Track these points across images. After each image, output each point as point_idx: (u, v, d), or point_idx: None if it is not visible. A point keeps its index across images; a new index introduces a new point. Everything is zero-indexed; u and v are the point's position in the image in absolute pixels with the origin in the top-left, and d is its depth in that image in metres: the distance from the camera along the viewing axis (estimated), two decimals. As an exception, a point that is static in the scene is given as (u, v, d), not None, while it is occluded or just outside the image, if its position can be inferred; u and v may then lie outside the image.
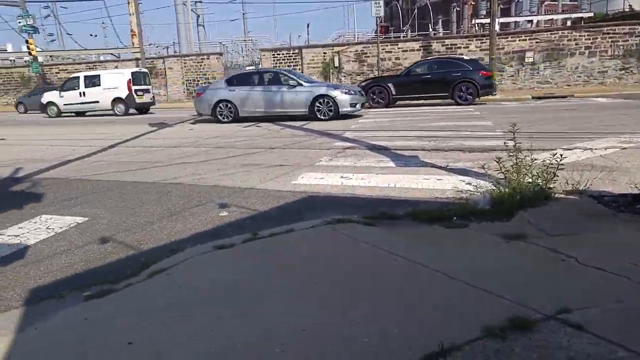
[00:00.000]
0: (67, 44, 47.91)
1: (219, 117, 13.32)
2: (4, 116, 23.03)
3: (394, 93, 16.00)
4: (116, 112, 19.81)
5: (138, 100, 19.75)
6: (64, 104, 20.37)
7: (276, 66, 26.84)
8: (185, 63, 28.68)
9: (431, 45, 24.79)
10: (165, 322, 2.33)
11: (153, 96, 21.50)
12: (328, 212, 4.16)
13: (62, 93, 20.36)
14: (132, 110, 19.90)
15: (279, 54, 27.04)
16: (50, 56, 36.29)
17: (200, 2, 49.04)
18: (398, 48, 25.19)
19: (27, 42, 27.04)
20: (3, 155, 8.51)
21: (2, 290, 2.92)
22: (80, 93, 19.96)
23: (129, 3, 32.94)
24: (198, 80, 28.32)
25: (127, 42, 36.07)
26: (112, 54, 35.26)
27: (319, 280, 2.66)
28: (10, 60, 37.55)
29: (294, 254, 3.13)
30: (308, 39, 30.15)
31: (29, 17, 27.02)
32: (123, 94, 19.43)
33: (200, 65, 28.51)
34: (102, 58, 34.53)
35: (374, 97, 16.11)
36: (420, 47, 24.93)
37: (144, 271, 3.06)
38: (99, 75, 20.50)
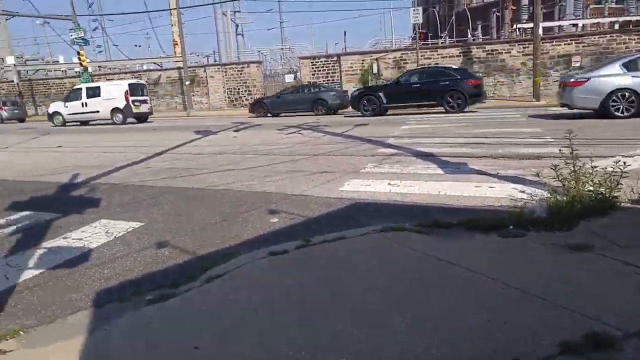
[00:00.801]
0: (113, 55, 49.95)
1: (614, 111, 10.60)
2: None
3: (384, 102, 16.45)
4: (115, 121, 21.00)
5: (135, 110, 21.02)
6: (68, 114, 21.94)
7: (314, 74, 27.05)
8: (225, 72, 29.32)
9: (471, 51, 24.38)
10: (228, 328, 2.36)
11: (150, 107, 22.79)
12: (377, 219, 4.13)
13: (67, 103, 21.95)
14: (131, 120, 21.21)
15: (317, 62, 27.23)
16: (99, 66, 37.90)
17: (239, 11, 50.18)
18: (437, 54, 24.90)
19: (78, 53, 28.35)
20: (62, 162, 8.93)
21: (72, 292, 3.05)
22: (82, 103, 21.43)
23: (171, 14, 34.02)
24: (239, 89, 28.88)
25: (170, 51, 37.24)
26: (155, 63, 36.47)
27: (375, 289, 2.64)
28: (62, 71, 39.49)
29: (348, 262, 3.12)
30: (345, 46, 30.19)
31: (80, 30, 28.36)
32: (121, 104, 20.72)
33: (241, 74, 29.07)
34: (145, 67, 35.80)
35: (365, 105, 16.66)
36: (460, 52, 24.56)
37: (202, 276, 3.12)
38: (99, 86, 21.91)
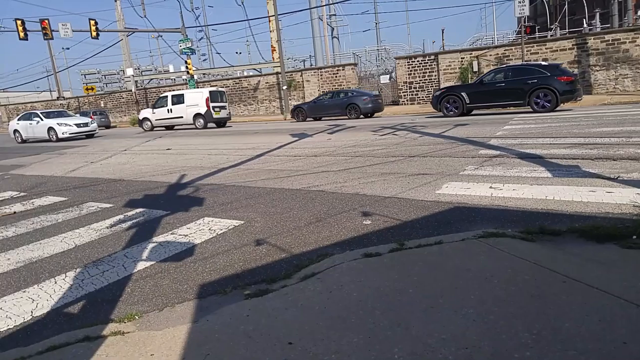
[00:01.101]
0: (216, 62, 53.51)
1: None
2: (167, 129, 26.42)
3: (467, 102, 16.06)
4: (197, 125, 22.71)
5: (215, 116, 22.54)
6: (156, 119, 24.00)
7: (410, 74, 26.55)
8: (321, 75, 29.93)
9: (586, 43, 22.25)
10: (322, 326, 2.37)
11: (229, 112, 24.28)
12: (477, 224, 3.91)
13: (154, 110, 23.89)
14: (211, 125, 22.91)
15: (413, 62, 26.70)
16: (203, 74, 40.80)
17: (335, 15, 50.91)
18: (546, 48, 23.10)
19: (185, 62, 30.77)
20: (171, 164, 9.73)
21: (178, 283, 3.27)
22: (168, 110, 23.35)
23: (269, 21, 35.52)
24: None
25: (268, 57, 38.95)
26: (254, 69, 38.35)
27: (474, 297, 2.48)
28: (172, 79, 43.15)
29: (444, 267, 2.98)
30: (443, 44, 29.24)
31: (187, 41, 30.79)
32: (202, 110, 22.38)
33: (336, 77, 29.48)
34: (245, 73, 37.74)
35: (448, 105, 16.35)
36: (573, 45, 22.55)
37: (297, 274, 3.19)
38: (183, 94, 23.47)
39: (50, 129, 20.78)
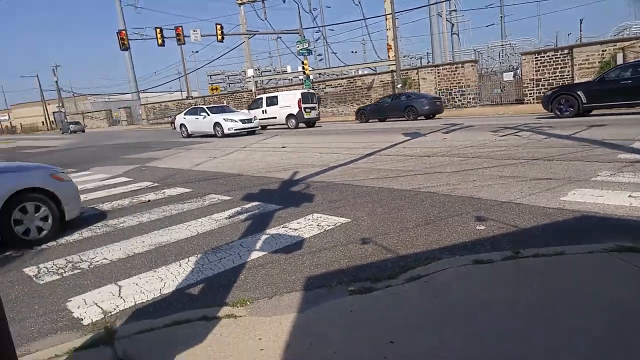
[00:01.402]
0: (332, 62, 54.75)
1: None
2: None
3: (584, 101, 14.43)
4: (289, 125, 23.73)
5: (306, 116, 23.31)
6: None
7: (538, 70, 24.52)
8: (438, 73, 29.00)
9: None
10: (424, 328, 2.32)
11: (318, 113, 25.08)
12: (609, 236, 3.49)
13: (250, 111, 24.43)
14: (302, 125, 23.63)
15: (542, 57, 24.59)
16: (319, 73, 41.97)
17: (455, 10, 48.98)
18: None
19: (302, 63, 31.93)
20: (285, 161, 10.21)
21: (287, 274, 3.43)
22: (262, 111, 24.39)
23: (386, 19, 35.33)
24: (451, 89, 28.29)
25: (384, 55, 38.76)
26: (369, 67, 38.44)
27: (597, 326, 2.21)
28: (289, 80, 45.14)
29: (563, 282, 2.71)
30: (581, 36, 26.44)
31: (305, 42, 31.93)
32: (295, 111, 23.31)
33: (454, 74, 28.35)
34: (360, 72, 38.02)
35: (560, 106, 14.90)
36: None
37: (402, 275, 3.15)
38: (277, 96, 24.52)
39: (216, 124, 20.82)
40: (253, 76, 39.82)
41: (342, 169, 8.31)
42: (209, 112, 21.86)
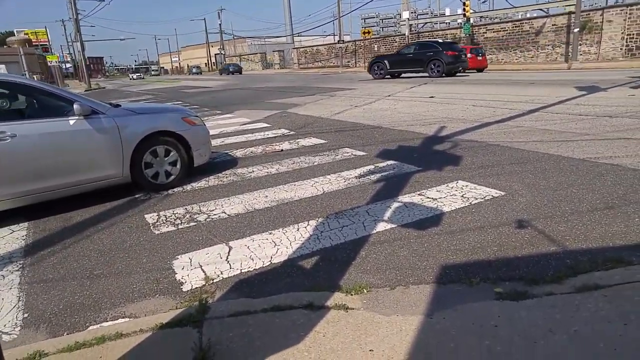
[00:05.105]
0: (496, 4, 49.11)
1: None
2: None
3: (388, 68, 21.93)
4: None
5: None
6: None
7: None
8: (630, 14, 23.88)
9: None
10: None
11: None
12: None
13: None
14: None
15: None
16: (480, 17, 38.00)
17: None
18: None
19: (464, 4, 29.02)
20: (431, 113, 9.25)
21: (417, 258, 2.84)
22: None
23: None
24: (643, 34, 23.24)
25: (561, -5, 33.21)
26: (540, 9, 33.48)
27: None
28: (446, 23, 41.74)
29: None
30: None
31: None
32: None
33: (651, 15, 23.11)
34: (528, 15, 33.32)
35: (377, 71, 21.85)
36: None
37: (570, 280, 2.38)
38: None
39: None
40: (408, 19, 37.70)
41: (497, 126, 7.16)
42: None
